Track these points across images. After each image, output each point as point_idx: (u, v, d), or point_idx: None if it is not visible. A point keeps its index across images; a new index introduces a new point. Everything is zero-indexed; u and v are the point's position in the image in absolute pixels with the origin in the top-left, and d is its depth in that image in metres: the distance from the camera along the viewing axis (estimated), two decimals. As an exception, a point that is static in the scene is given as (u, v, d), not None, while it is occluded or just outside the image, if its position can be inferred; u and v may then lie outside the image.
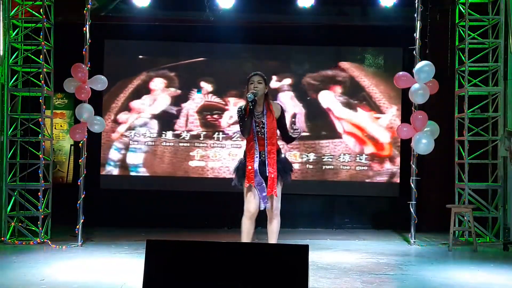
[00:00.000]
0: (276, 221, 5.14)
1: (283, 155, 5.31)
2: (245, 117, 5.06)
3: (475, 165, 7.83)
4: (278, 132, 5.22)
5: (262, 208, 5.11)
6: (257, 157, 5.11)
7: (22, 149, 7.40)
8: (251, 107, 4.99)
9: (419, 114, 7.22)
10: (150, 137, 8.98)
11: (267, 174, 5.08)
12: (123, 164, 8.96)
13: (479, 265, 6.09)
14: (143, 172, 8.98)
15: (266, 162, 5.10)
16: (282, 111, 5.27)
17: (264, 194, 5.07)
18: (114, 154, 8.95)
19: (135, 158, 8.96)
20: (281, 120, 5.21)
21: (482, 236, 7.73)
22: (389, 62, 9.12)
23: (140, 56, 9.20)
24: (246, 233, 5.14)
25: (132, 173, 8.98)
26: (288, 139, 5.33)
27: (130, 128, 8.97)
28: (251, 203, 5.10)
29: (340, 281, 5.10)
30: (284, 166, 5.22)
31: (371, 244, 7.56)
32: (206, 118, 9.00)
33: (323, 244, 7.45)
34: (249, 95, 4.98)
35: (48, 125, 7.61)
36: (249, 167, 5.11)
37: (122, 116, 8.98)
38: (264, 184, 5.08)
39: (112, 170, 8.95)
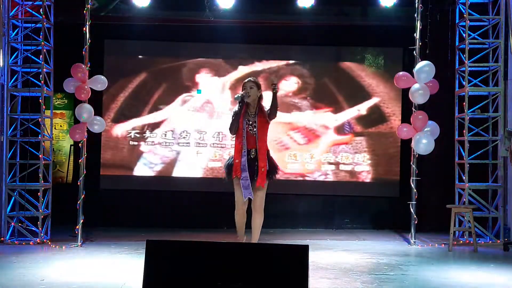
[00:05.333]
0: (259, 218, 5.63)
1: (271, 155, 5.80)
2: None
3: (475, 165, 7.82)
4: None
5: (245, 199, 5.54)
6: (245, 153, 5.57)
7: (22, 149, 7.39)
8: (240, 105, 5.58)
9: (419, 114, 7.22)
10: (150, 137, 8.97)
11: (257, 169, 5.55)
12: (122, 164, 8.96)
13: (479, 265, 6.09)
14: (143, 172, 8.97)
15: (257, 159, 5.58)
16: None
17: (247, 186, 5.51)
18: (113, 154, 8.95)
19: (135, 158, 8.96)
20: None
21: (482, 236, 7.72)
22: (389, 62, 9.10)
23: (140, 56, 9.19)
24: (239, 226, 5.73)
25: (132, 173, 8.96)
26: (271, 113, 5.62)
27: (130, 128, 8.97)
28: (240, 197, 5.60)
29: (340, 281, 5.09)
30: (272, 164, 5.71)
31: (371, 244, 7.55)
32: (206, 118, 8.98)
33: (323, 244, 7.44)
34: (237, 95, 5.62)
35: (48, 125, 7.60)
36: (236, 161, 5.59)
37: (122, 116, 8.98)
38: (248, 178, 5.52)
39: (111, 170, 8.94)
